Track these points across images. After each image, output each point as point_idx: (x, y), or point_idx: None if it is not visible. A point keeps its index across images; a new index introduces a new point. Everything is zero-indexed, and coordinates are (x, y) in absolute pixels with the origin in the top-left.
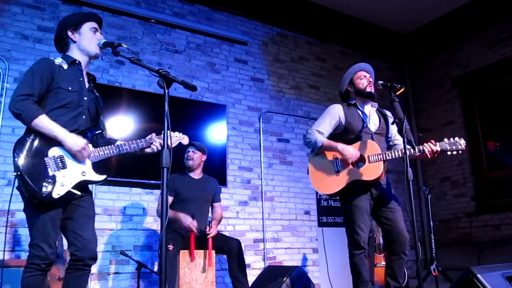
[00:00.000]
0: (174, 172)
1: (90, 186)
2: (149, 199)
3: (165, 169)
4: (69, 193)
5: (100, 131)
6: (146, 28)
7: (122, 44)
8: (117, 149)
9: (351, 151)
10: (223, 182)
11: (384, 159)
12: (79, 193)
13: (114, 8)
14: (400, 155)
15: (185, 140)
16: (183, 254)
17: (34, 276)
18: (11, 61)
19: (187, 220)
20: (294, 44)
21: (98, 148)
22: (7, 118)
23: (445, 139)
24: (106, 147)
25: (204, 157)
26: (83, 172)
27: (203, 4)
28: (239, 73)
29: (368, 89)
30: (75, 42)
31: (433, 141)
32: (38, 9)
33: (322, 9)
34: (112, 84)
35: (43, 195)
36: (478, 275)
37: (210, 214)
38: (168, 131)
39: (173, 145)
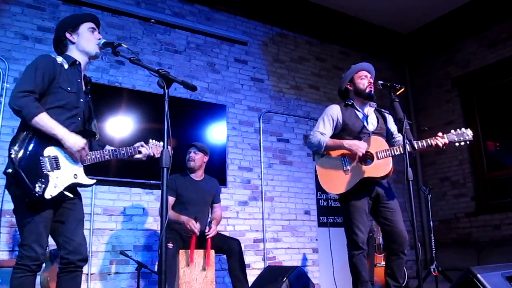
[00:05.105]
0: (175, 173)
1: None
2: (149, 199)
3: (165, 169)
4: (61, 194)
5: (93, 134)
6: (146, 28)
7: (122, 44)
8: (109, 155)
9: (357, 143)
10: (223, 182)
11: (393, 154)
12: (71, 195)
13: (114, 8)
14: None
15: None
16: (183, 254)
17: (24, 277)
18: (11, 61)
19: (190, 223)
20: (294, 44)
21: (91, 152)
22: (7, 118)
23: (452, 131)
24: (99, 151)
25: (206, 158)
26: (75, 174)
27: (203, 4)
28: (239, 73)
29: (368, 90)
30: (74, 43)
31: (440, 133)
32: (38, 9)
33: (322, 9)
34: (112, 84)
35: (36, 194)
36: (478, 275)
37: (209, 215)
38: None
39: (158, 155)
